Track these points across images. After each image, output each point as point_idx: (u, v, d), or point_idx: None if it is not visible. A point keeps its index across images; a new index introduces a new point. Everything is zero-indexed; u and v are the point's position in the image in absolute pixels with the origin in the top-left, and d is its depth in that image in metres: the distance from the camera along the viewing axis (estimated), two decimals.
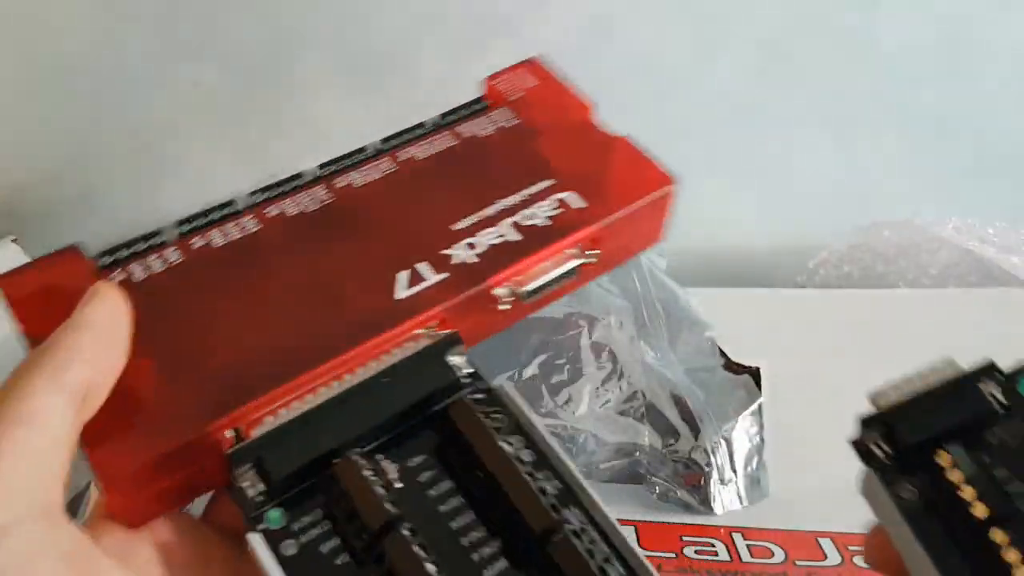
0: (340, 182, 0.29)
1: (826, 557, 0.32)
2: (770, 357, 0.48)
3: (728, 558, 0.31)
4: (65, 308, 0.24)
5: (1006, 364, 0.25)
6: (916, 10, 0.54)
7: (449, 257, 0.27)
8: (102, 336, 0.23)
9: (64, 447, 0.21)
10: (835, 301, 0.57)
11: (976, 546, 0.22)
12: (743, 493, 0.42)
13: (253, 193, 0.29)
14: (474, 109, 0.32)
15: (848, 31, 0.55)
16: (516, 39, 0.53)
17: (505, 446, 0.24)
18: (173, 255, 0.27)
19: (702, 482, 0.42)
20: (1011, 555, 0.21)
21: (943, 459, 0.23)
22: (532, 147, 0.31)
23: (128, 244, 0.27)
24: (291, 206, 0.29)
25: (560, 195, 0.29)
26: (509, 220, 0.28)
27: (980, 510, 0.22)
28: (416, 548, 0.22)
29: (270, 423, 0.24)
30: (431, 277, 0.27)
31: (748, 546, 0.31)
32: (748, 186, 0.62)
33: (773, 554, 0.31)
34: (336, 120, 0.55)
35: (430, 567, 0.22)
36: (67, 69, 0.50)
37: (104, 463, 0.22)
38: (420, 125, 0.31)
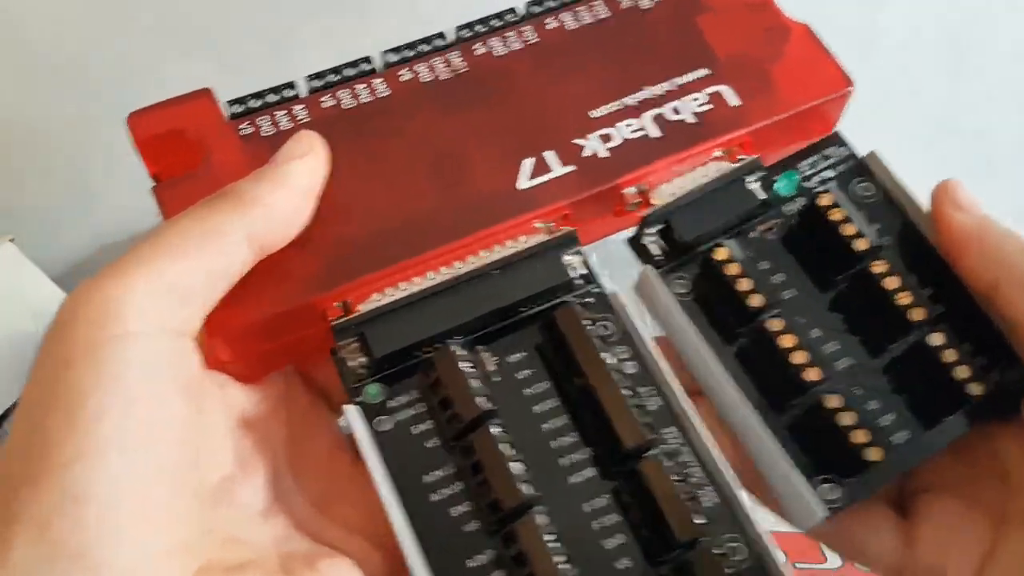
0: (479, 49, 0.27)
1: (826, 560, 0.32)
2: None
3: None
4: (190, 154, 0.25)
5: None
6: (917, 10, 0.54)
7: (580, 148, 0.25)
8: (298, 198, 0.23)
9: (225, 285, 0.22)
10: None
11: (753, 334, 0.23)
12: (743, 495, 0.42)
13: (389, 51, 0.27)
14: None
15: (848, 31, 0.55)
16: None
17: (607, 357, 0.23)
18: (301, 112, 0.26)
19: None
20: (787, 340, 0.22)
21: (720, 254, 0.23)
22: (696, 27, 0.27)
23: (259, 95, 0.27)
24: (425, 71, 0.27)
25: (715, 88, 0.26)
26: (652, 112, 0.26)
27: (756, 300, 0.23)
28: (504, 446, 0.22)
29: (376, 300, 0.23)
30: (557, 169, 0.25)
31: None
32: None
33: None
34: None
35: (516, 466, 0.22)
36: (65, 68, 0.50)
37: (213, 318, 0.22)
38: None
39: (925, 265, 0.24)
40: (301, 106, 0.26)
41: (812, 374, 0.22)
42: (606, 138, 0.25)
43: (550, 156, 0.25)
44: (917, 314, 0.23)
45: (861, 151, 0.27)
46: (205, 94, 0.26)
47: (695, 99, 0.26)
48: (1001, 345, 0.23)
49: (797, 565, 0.31)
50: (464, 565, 0.21)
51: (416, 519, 0.22)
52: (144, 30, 0.50)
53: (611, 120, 0.26)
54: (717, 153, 0.26)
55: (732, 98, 0.26)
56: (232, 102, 0.26)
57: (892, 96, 0.58)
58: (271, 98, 0.27)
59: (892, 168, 0.26)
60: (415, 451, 0.23)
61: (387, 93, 0.26)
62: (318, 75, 0.27)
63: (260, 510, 0.23)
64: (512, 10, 0.28)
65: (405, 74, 0.27)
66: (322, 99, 0.26)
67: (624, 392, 0.23)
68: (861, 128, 0.59)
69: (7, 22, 0.48)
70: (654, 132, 0.26)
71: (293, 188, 0.23)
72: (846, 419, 0.22)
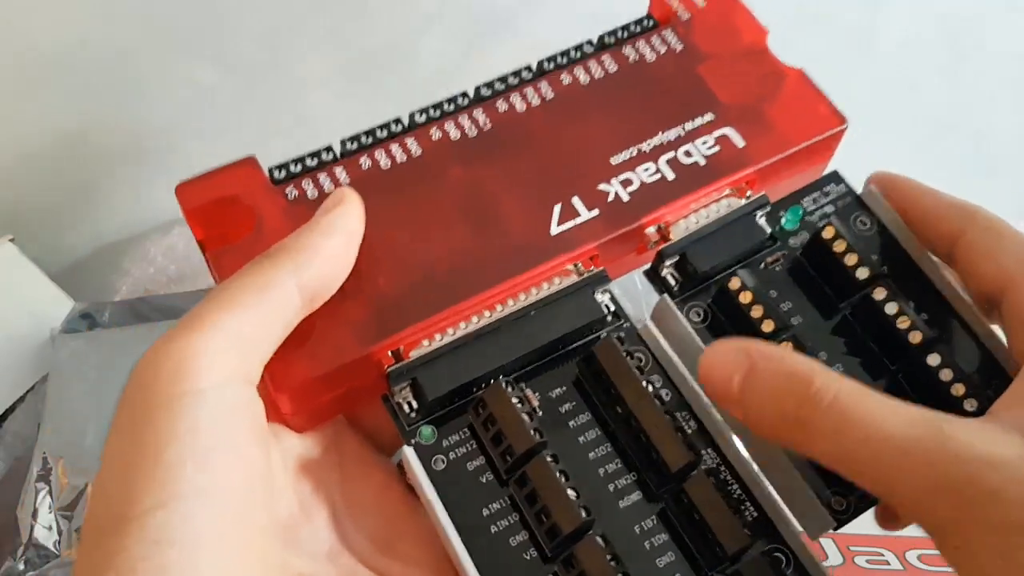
0: (501, 106, 0.29)
1: (827, 557, 0.32)
2: None
3: None
4: (238, 220, 0.27)
5: None
6: (916, 10, 0.54)
7: (605, 194, 0.27)
8: (341, 244, 0.25)
9: (283, 334, 0.23)
10: None
11: None
12: None
13: (417, 112, 0.29)
14: (640, 28, 0.31)
15: (849, 31, 0.55)
16: (515, 38, 0.53)
17: (646, 386, 0.25)
18: (341, 174, 0.28)
19: None
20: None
21: (734, 283, 0.25)
22: (698, 75, 0.29)
23: (299, 160, 0.28)
24: (453, 129, 0.29)
25: (721, 131, 0.28)
26: (666, 156, 0.28)
27: (768, 326, 0.25)
28: (557, 473, 0.23)
29: (426, 346, 0.25)
30: (584, 213, 0.27)
31: None
32: None
33: None
34: (336, 118, 0.54)
35: (570, 491, 0.23)
36: (65, 68, 0.50)
37: (278, 373, 0.24)
38: (583, 46, 0.31)
39: (921, 292, 0.26)
40: (340, 168, 0.28)
41: None
42: (627, 183, 0.27)
43: (577, 202, 0.27)
44: (915, 337, 0.25)
45: (858, 185, 0.29)
46: (250, 162, 0.28)
47: (704, 142, 0.28)
48: (992, 363, 0.25)
49: None
50: None
51: (476, 551, 0.23)
52: (144, 29, 0.50)
53: (630, 165, 0.28)
54: (727, 191, 0.28)
55: (737, 140, 0.28)
56: (274, 168, 0.28)
57: (892, 96, 0.58)
58: (311, 162, 0.28)
59: (886, 203, 0.28)
60: (471, 486, 0.24)
61: (419, 152, 0.28)
62: (353, 138, 0.29)
63: (325, 551, 0.25)
64: (528, 67, 0.30)
65: (435, 133, 0.29)
66: (360, 160, 0.28)
67: (665, 418, 0.24)
68: (861, 128, 0.59)
69: (6, 22, 0.48)
70: (669, 175, 0.27)
71: (334, 235, 0.25)
72: None
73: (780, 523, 0.24)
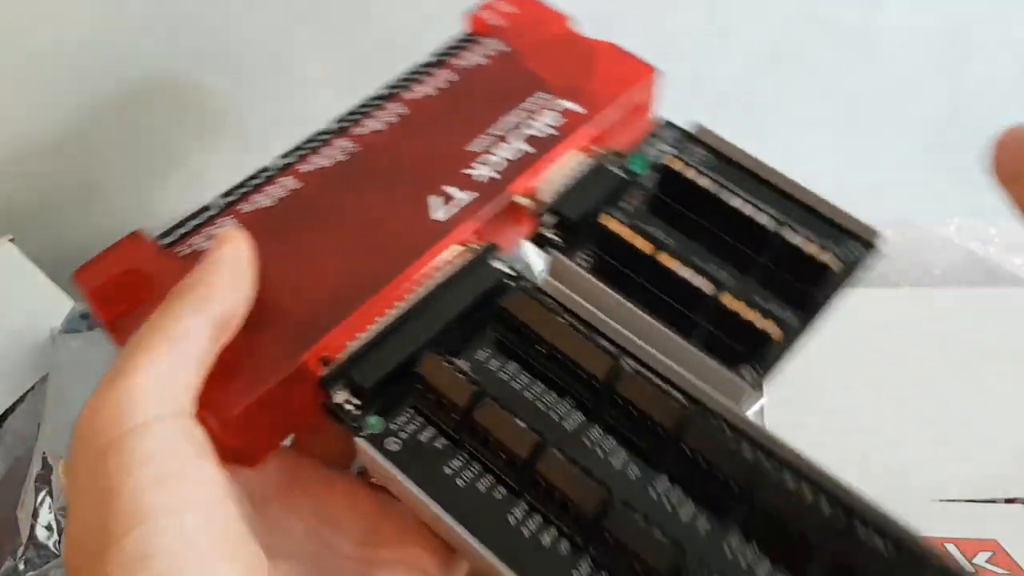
0: (361, 131, 0.32)
1: None
2: None
3: None
4: (139, 290, 0.28)
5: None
6: (917, 10, 0.54)
7: (470, 176, 0.30)
8: (236, 272, 0.26)
9: (203, 365, 0.25)
10: (837, 301, 0.57)
11: (652, 275, 0.28)
12: None
13: (283, 155, 0.31)
14: (464, 43, 0.35)
15: (850, 31, 0.55)
16: None
17: (559, 318, 0.27)
18: (229, 221, 0.30)
19: None
20: (681, 269, 0.27)
21: (606, 219, 0.28)
22: (524, 66, 0.34)
23: (182, 223, 0.30)
24: (323, 160, 0.31)
25: (558, 103, 0.32)
26: (516, 134, 0.31)
27: (646, 247, 0.28)
28: (501, 411, 0.25)
29: (352, 346, 0.27)
30: (459, 196, 0.30)
31: None
32: None
33: None
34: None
35: (519, 423, 0.25)
36: (66, 68, 0.50)
37: (216, 409, 0.25)
38: (419, 66, 0.34)
39: (765, 191, 0.30)
40: (227, 217, 0.30)
41: (707, 287, 0.27)
42: (488, 163, 0.31)
43: (449, 189, 0.30)
44: (770, 224, 0.28)
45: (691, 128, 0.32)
46: (136, 235, 0.30)
47: (546, 116, 0.32)
48: (837, 227, 0.29)
49: None
50: (508, 524, 0.24)
51: (451, 507, 0.24)
52: (145, 29, 0.50)
53: (487, 149, 0.31)
54: (578, 152, 0.31)
55: (573, 106, 0.32)
56: (160, 236, 0.30)
57: (892, 96, 0.58)
58: (195, 221, 0.30)
59: (717, 134, 0.32)
60: (428, 454, 0.25)
61: (297, 186, 0.30)
62: (228, 192, 0.30)
63: (309, 553, 0.26)
64: (380, 95, 0.33)
65: (305, 167, 0.31)
66: (240, 207, 0.30)
67: (580, 336, 0.27)
68: (863, 127, 0.59)
69: (6, 21, 0.48)
70: (525, 148, 0.31)
71: (222, 265, 0.26)
72: (744, 310, 0.27)
73: (708, 400, 0.26)
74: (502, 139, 0.31)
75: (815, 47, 0.56)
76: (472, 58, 0.34)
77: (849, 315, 0.58)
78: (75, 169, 0.55)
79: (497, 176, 0.30)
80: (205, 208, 0.30)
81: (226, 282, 0.26)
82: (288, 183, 0.30)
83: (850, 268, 0.28)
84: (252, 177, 0.31)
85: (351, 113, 0.33)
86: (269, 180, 0.31)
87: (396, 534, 0.27)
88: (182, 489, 0.22)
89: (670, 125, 0.32)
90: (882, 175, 0.61)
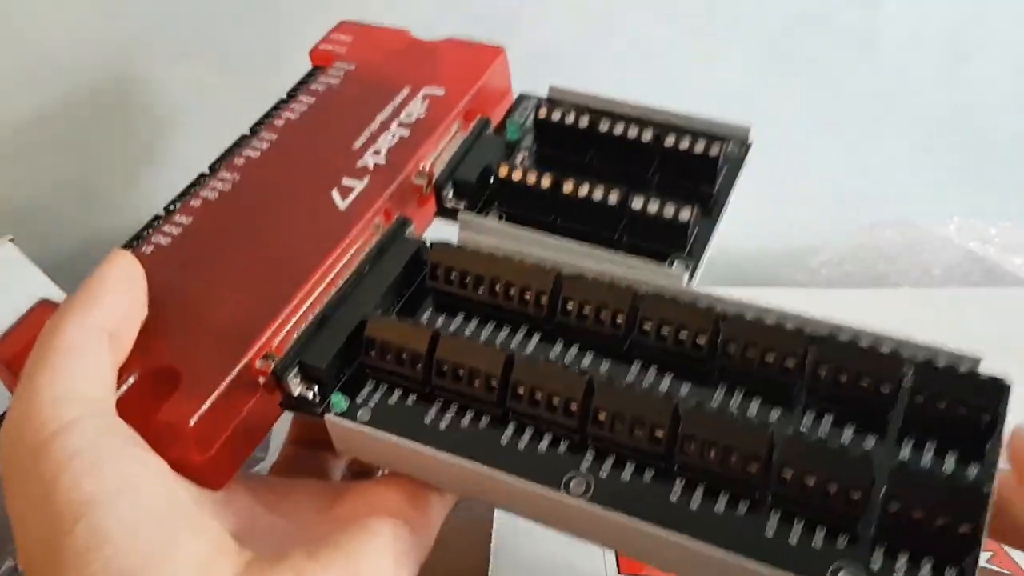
0: (239, 160, 0.33)
1: None
2: None
3: None
4: None
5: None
6: (917, 9, 0.54)
7: (366, 167, 0.32)
8: (119, 287, 0.26)
9: (106, 369, 0.25)
10: (837, 300, 0.57)
11: (561, 205, 0.29)
12: None
13: (168, 204, 0.32)
14: (311, 75, 0.37)
15: (849, 31, 0.55)
16: (515, 38, 0.52)
17: (487, 255, 0.28)
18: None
19: None
20: (582, 189, 0.29)
21: (503, 169, 0.30)
22: (379, 76, 0.35)
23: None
24: (211, 194, 0.32)
25: (422, 94, 0.34)
26: (394, 124, 0.33)
27: (546, 181, 0.29)
28: (462, 342, 0.26)
29: (293, 339, 0.27)
30: (358, 185, 0.31)
31: None
32: (749, 185, 0.62)
33: None
34: None
35: (484, 346, 0.26)
36: (65, 68, 0.50)
37: (172, 426, 0.25)
38: (277, 104, 0.36)
39: (635, 120, 0.31)
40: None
41: (613, 196, 0.28)
42: (377, 152, 0.32)
43: (348, 181, 0.31)
44: (650, 138, 0.30)
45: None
46: (44, 304, 0.30)
47: (415, 103, 0.34)
48: (710, 134, 0.31)
49: None
50: (501, 445, 0.25)
51: (442, 445, 0.25)
52: (145, 28, 0.50)
53: (371, 142, 0.33)
54: (454, 128, 0.33)
55: (438, 91, 0.34)
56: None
57: (892, 96, 0.58)
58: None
59: (573, 91, 0.33)
60: (403, 412, 0.26)
61: (189, 221, 0.31)
62: (127, 244, 0.31)
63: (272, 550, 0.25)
64: (241, 137, 0.34)
65: (195, 202, 0.32)
66: (142, 249, 0.30)
67: (517, 260, 0.27)
68: (863, 127, 0.59)
69: (6, 21, 0.48)
70: (405, 133, 0.33)
71: (105, 276, 0.26)
72: (655, 208, 0.28)
73: (650, 282, 0.27)
74: (382, 130, 0.33)
75: (815, 47, 0.56)
76: (325, 81, 0.36)
77: (849, 315, 0.58)
78: (75, 169, 0.55)
79: (387, 161, 0.32)
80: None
81: (110, 291, 0.26)
82: (182, 220, 0.31)
83: (735, 161, 0.31)
84: (144, 228, 0.31)
85: (224, 154, 0.34)
86: (162, 223, 0.31)
87: (359, 493, 0.27)
88: (117, 474, 0.22)
89: (527, 96, 0.35)
90: (882, 175, 0.61)
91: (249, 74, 0.53)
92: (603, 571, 0.30)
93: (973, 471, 0.23)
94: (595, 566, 0.31)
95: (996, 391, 0.23)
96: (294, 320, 0.27)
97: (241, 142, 0.34)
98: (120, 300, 0.26)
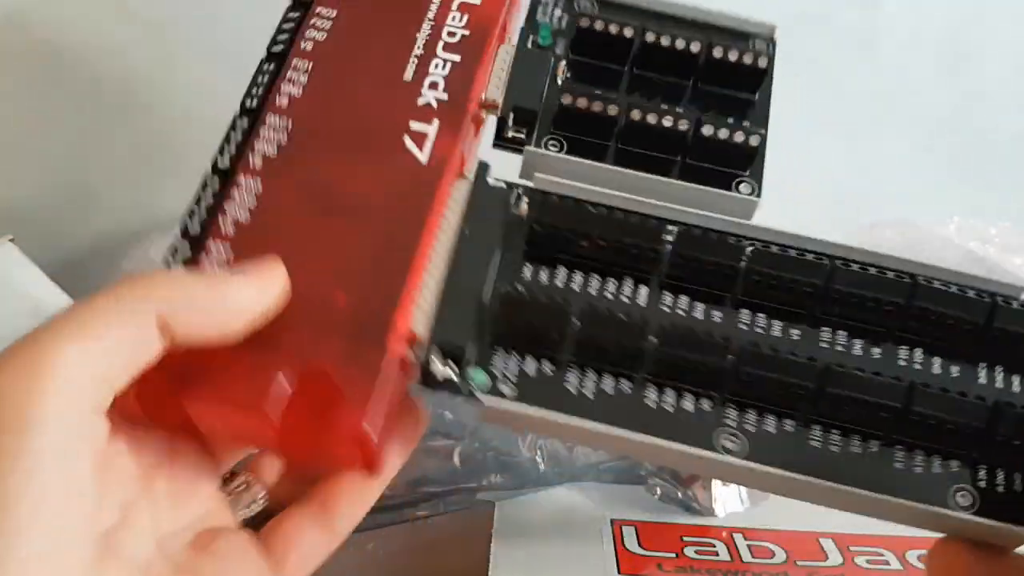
0: (282, 101, 0.29)
1: (827, 557, 0.32)
2: None
3: (729, 558, 0.31)
4: None
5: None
6: (917, 9, 0.54)
7: (428, 105, 0.29)
8: (224, 304, 0.23)
9: (133, 367, 0.22)
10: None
11: (627, 131, 0.29)
12: (744, 494, 0.42)
13: (218, 157, 0.29)
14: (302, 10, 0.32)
15: (849, 31, 0.55)
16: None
17: (586, 209, 0.27)
18: (222, 247, 0.27)
19: (703, 483, 0.42)
20: (640, 114, 0.29)
21: (567, 99, 0.29)
22: None
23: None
24: (267, 147, 0.28)
25: (455, 2, 0.31)
26: (439, 46, 0.30)
27: (612, 109, 0.29)
28: (601, 312, 0.26)
29: (418, 316, 0.26)
30: (429, 130, 0.28)
31: (749, 546, 0.31)
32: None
33: (774, 554, 0.31)
34: None
35: (620, 316, 0.25)
36: (66, 68, 0.50)
37: (340, 434, 0.23)
38: (285, 18, 0.32)
39: (661, 19, 0.31)
40: (208, 251, 0.27)
41: (683, 123, 0.29)
42: (434, 85, 0.29)
43: (418, 126, 0.28)
44: (695, 47, 0.30)
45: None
46: None
47: (453, 17, 0.30)
48: (738, 32, 0.32)
49: (798, 563, 0.32)
50: (649, 407, 0.25)
51: (595, 415, 0.25)
52: (145, 28, 0.50)
53: (423, 71, 0.29)
54: (499, 43, 0.31)
55: (474, 2, 0.31)
56: None
57: (892, 96, 0.58)
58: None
59: None
60: (545, 382, 0.25)
61: (257, 186, 0.28)
62: (184, 231, 0.27)
63: (142, 560, 0.24)
64: (269, 60, 0.31)
65: (254, 160, 0.28)
66: (211, 238, 0.27)
67: (616, 218, 0.27)
68: (863, 127, 0.59)
69: (6, 21, 0.48)
70: (456, 58, 0.30)
71: (225, 293, 0.23)
72: (724, 134, 0.29)
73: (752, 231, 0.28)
74: (430, 56, 0.30)
75: (815, 47, 0.55)
76: (327, 10, 0.31)
77: None
78: (75, 169, 0.55)
79: (448, 96, 0.29)
80: (174, 250, 0.27)
81: (209, 307, 0.23)
82: (249, 185, 0.27)
83: (770, 62, 0.31)
84: (201, 194, 0.28)
85: (253, 88, 0.30)
86: (224, 193, 0.27)
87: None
88: (58, 506, 0.20)
89: None
90: (882, 175, 0.61)
91: (250, 75, 0.53)
92: (603, 572, 0.31)
93: None
94: (595, 566, 0.31)
95: None
96: (416, 297, 0.26)
97: (270, 72, 0.30)
98: (212, 311, 0.23)
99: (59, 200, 0.55)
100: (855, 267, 0.27)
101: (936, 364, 0.26)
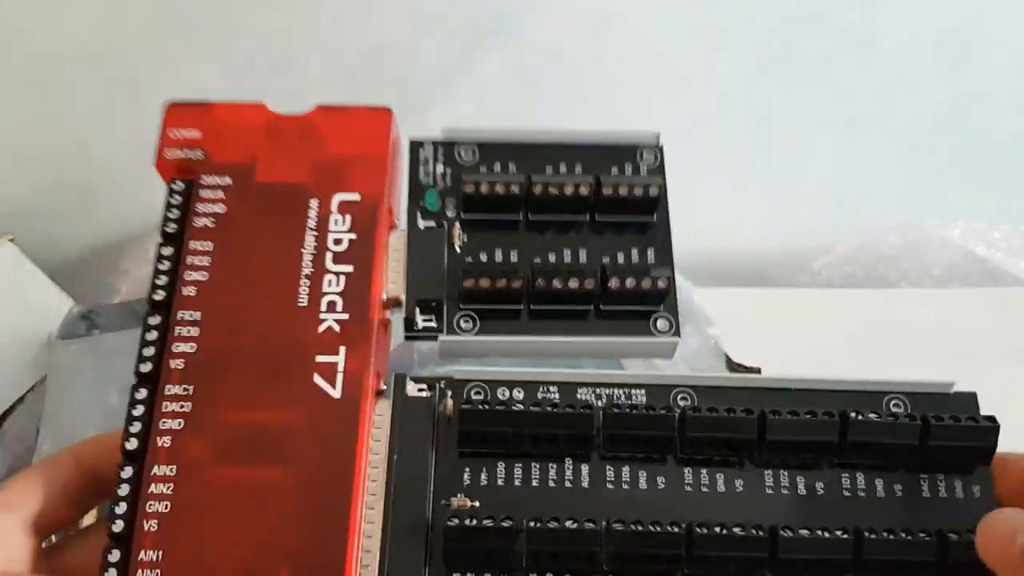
0: (182, 335, 0.27)
1: None
2: (772, 357, 0.48)
3: None
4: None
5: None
6: (917, 9, 0.54)
7: (331, 330, 0.27)
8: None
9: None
10: (838, 302, 0.57)
11: (534, 299, 0.29)
12: None
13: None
14: (176, 197, 0.29)
15: (849, 31, 0.55)
16: (515, 39, 0.53)
17: (514, 410, 0.27)
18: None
19: None
20: (551, 283, 0.29)
21: (469, 283, 0.29)
22: (264, 183, 0.29)
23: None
24: (178, 393, 0.27)
25: (336, 200, 0.29)
26: (329, 260, 0.28)
27: (516, 283, 0.29)
28: (544, 528, 0.26)
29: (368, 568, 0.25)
30: (337, 360, 0.27)
31: None
32: (751, 187, 0.62)
33: None
34: None
35: (567, 526, 0.26)
36: (66, 68, 0.50)
37: None
38: (168, 239, 0.29)
39: (543, 155, 0.31)
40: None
41: (590, 282, 0.29)
42: (332, 307, 0.28)
43: (323, 358, 0.27)
44: (586, 189, 0.30)
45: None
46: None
47: (335, 221, 0.29)
48: (623, 148, 0.31)
49: None
50: None
51: None
52: (145, 29, 0.50)
53: (318, 293, 0.28)
54: (389, 235, 0.30)
55: (348, 195, 0.29)
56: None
57: (892, 97, 0.58)
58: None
59: (464, 130, 0.31)
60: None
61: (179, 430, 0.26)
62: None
63: None
64: (154, 304, 0.28)
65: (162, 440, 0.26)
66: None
67: (543, 413, 0.27)
68: (864, 128, 0.59)
69: (7, 21, 0.48)
70: (348, 269, 0.28)
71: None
72: (631, 284, 0.29)
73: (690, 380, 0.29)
74: (321, 272, 0.28)
75: (815, 47, 0.56)
76: (204, 209, 0.29)
77: (849, 315, 0.58)
78: (75, 169, 0.55)
79: (349, 316, 0.27)
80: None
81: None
82: (165, 473, 0.26)
83: (661, 189, 0.30)
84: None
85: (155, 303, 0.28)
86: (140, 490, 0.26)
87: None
88: None
89: (416, 146, 0.31)
90: (882, 176, 0.61)
91: (250, 76, 0.53)
92: None
93: None
94: None
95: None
96: (360, 549, 0.25)
97: (159, 299, 0.28)
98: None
99: (59, 200, 0.55)
100: (787, 415, 0.27)
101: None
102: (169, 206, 0.29)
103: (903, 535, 0.26)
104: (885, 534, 0.26)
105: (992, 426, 0.27)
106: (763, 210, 0.64)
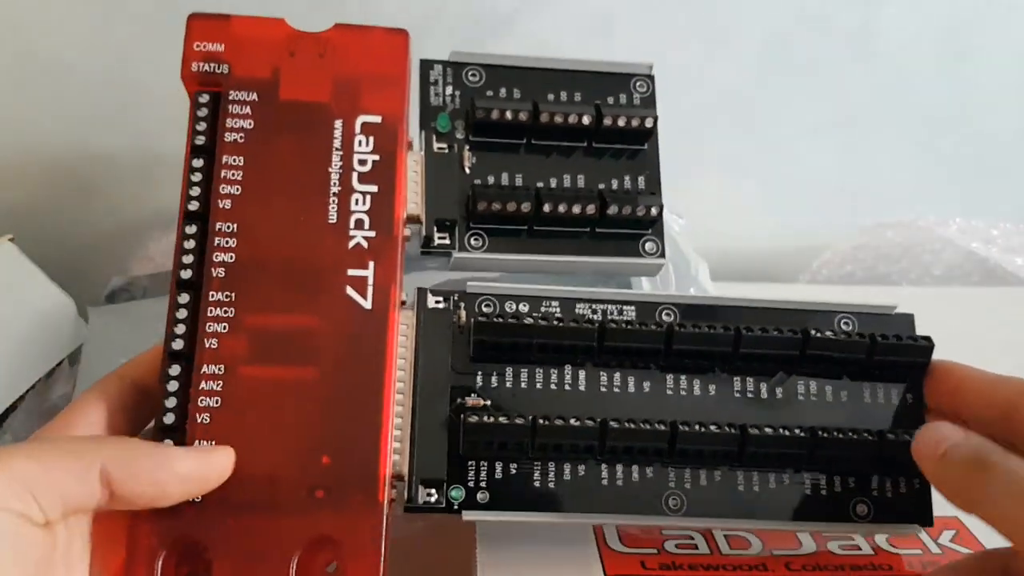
0: (219, 258, 0.29)
1: (801, 545, 0.33)
2: None
3: (708, 551, 0.32)
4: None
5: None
6: (916, 10, 0.54)
7: (360, 247, 0.29)
8: (166, 468, 0.26)
9: (74, 500, 0.24)
10: (837, 301, 0.57)
11: (540, 222, 0.32)
12: None
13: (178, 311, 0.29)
14: (203, 108, 0.31)
15: (849, 31, 0.55)
16: (515, 39, 0.53)
17: (524, 322, 0.31)
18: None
19: None
20: (556, 207, 0.32)
21: (481, 204, 0.32)
22: (289, 101, 0.30)
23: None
24: (219, 316, 0.29)
25: (359, 122, 0.30)
26: (354, 179, 0.30)
27: (526, 206, 0.32)
28: (552, 421, 0.29)
29: (399, 459, 0.29)
30: (366, 273, 0.29)
31: (726, 537, 0.33)
32: (751, 185, 0.62)
33: (751, 544, 0.32)
34: None
35: (573, 422, 0.29)
36: (66, 68, 0.51)
37: None
38: (198, 150, 0.31)
39: (544, 80, 0.33)
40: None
41: (591, 209, 0.32)
42: (360, 224, 0.29)
43: (354, 271, 0.29)
44: (589, 120, 0.32)
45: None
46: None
47: (360, 142, 0.30)
48: (616, 75, 0.34)
49: (774, 552, 0.33)
50: (604, 485, 0.30)
51: (558, 506, 0.29)
52: (145, 29, 0.51)
53: (345, 212, 0.29)
54: (405, 156, 0.31)
55: (371, 117, 0.30)
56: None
57: (892, 96, 0.58)
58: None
59: (469, 56, 0.33)
60: (513, 481, 0.30)
61: (223, 367, 0.28)
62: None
63: None
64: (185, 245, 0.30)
65: (210, 342, 0.28)
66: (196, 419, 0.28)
67: (549, 323, 0.30)
68: (864, 127, 0.59)
69: (7, 22, 0.49)
70: (373, 189, 0.30)
71: (166, 459, 0.26)
72: (626, 210, 0.32)
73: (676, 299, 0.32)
74: (347, 192, 0.30)
75: (815, 47, 0.55)
76: (233, 124, 0.30)
77: None
78: (75, 169, 0.55)
79: (376, 233, 0.29)
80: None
81: (151, 469, 0.25)
82: (213, 371, 0.28)
83: (653, 107, 0.34)
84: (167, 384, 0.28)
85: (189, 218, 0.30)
86: (191, 381, 0.28)
87: None
88: None
89: (428, 64, 0.33)
90: (882, 175, 0.61)
91: None
92: (588, 574, 0.31)
93: None
94: (582, 568, 0.31)
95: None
96: (392, 442, 0.28)
97: (197, 211, 0.30)
98: (154, 485, 0.26)
99: (59, 200, 0.56)
100: (757, 331, 0.30)
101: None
102: (197, 119, 0.31)
103: (850, 433, 0.30)
104: (835, 433, 0.30)
105: (927, 345, 0.32)
106: (763, 208, 0.64)
